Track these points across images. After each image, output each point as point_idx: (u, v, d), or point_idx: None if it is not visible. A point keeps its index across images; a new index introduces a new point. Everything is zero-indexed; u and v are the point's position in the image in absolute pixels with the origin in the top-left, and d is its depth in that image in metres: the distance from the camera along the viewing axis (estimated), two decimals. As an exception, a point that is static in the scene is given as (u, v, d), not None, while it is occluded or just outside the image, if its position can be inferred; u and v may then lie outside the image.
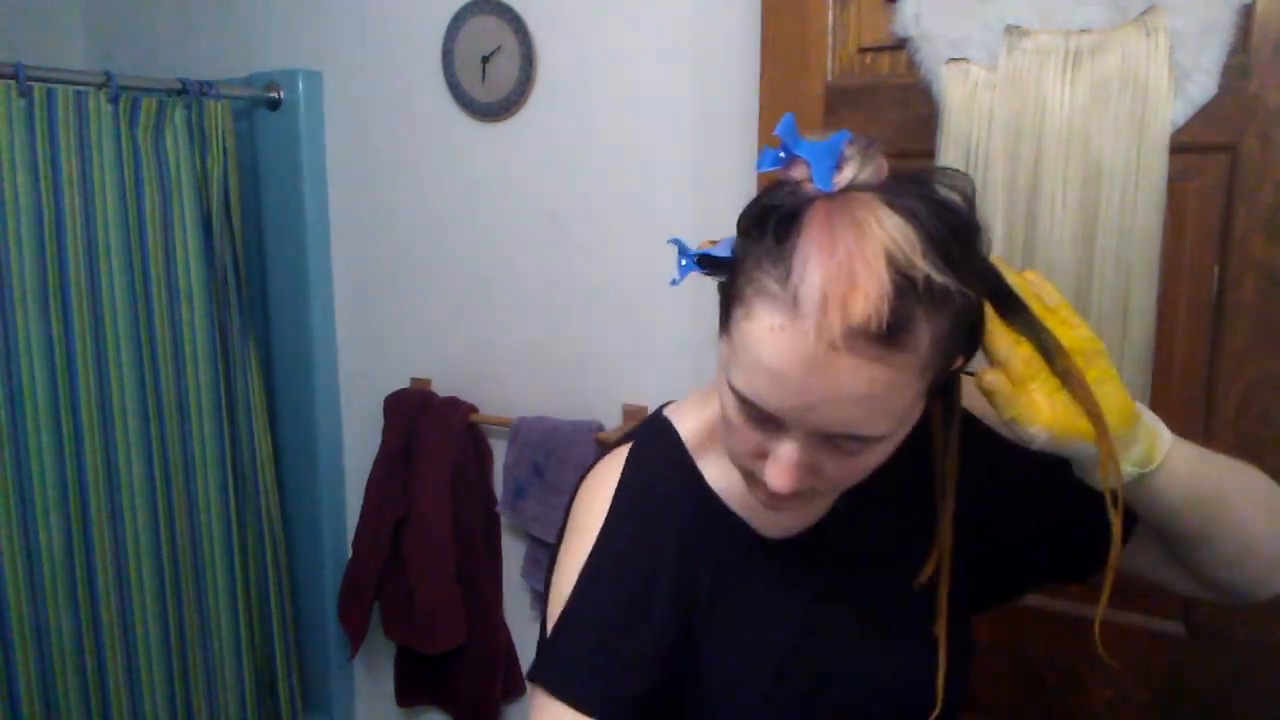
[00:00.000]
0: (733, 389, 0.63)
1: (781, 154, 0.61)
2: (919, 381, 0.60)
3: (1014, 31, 1.07)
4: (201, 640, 1.81)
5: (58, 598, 1.62)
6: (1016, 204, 1.09)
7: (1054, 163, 1.06)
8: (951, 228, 0.59)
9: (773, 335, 0.58)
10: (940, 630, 0.75)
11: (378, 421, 1.79)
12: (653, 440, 0.80)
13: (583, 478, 0.83)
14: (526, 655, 1.77)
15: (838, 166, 0.59)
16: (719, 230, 0.69)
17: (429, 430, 1.70)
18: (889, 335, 0.56)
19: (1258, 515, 0.71)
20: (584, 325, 1.60)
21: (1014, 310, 0.66)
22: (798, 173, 0.60)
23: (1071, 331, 0.65)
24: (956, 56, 1.11)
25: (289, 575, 1.94)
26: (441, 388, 1.77)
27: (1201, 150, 1.04)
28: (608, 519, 0.76)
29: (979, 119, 1.10)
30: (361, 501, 1.81)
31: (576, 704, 0.69)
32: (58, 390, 1.60)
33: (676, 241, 0.67)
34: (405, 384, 1.81)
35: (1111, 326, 1.06)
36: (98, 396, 1.65)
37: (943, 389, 0.68)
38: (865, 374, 0.57)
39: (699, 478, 0.78)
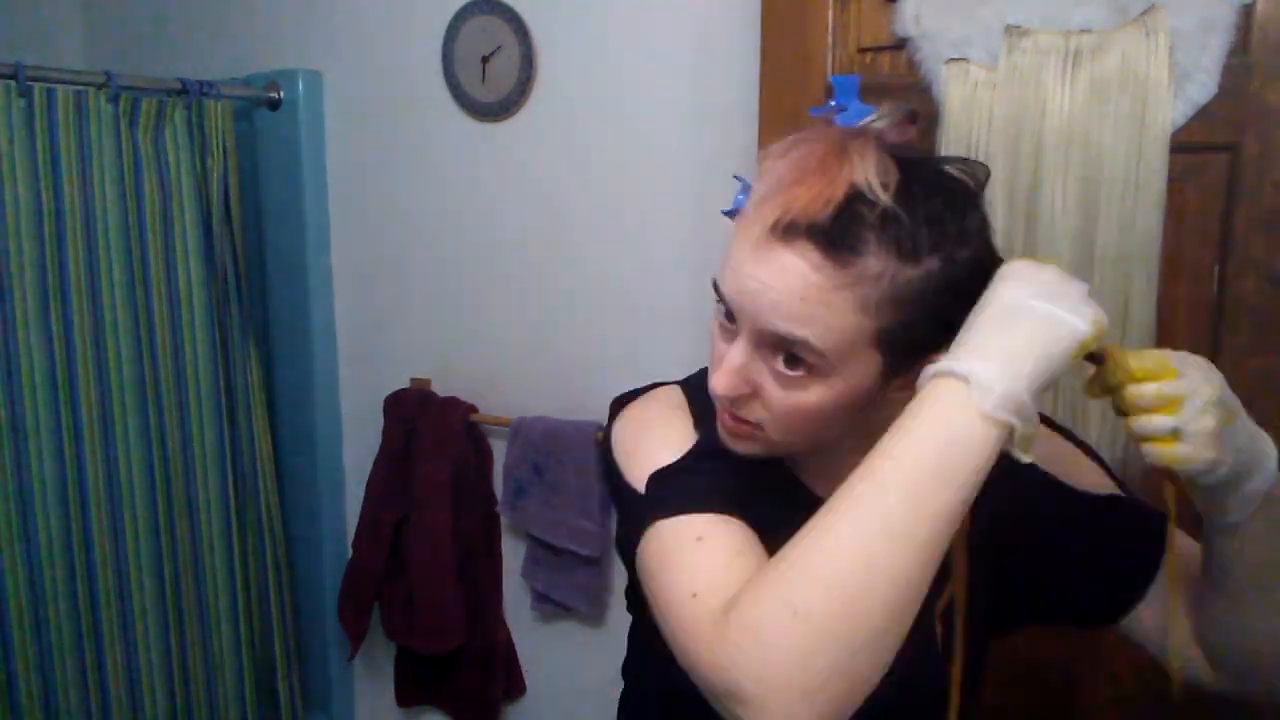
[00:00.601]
0: (714, 286, 0.68)
1: (833, 102, 0.67)
2: (862, 315, 0.61)
3: (1014, 31, 1.07)
4: (201, 640, 1.81)
5: (58, 597, 1.62)
6: (1016, 204, 1.09)
7: (1054, 163, 1.06)
8: (945, 195, 0.62)
9: (739, 226, 0.65)
10: (956, 659, 0.73)
11: (378, 421, 1.79)
12: (702, 390, 0.77)
13: (619, 407, 0.82)
14: (526, 655, 1.77)
15: (866, 117, 0.65)
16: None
17: (429, 430, 1.70)
18: (828, 241, 0.60)
19: None
20: (584, 325, 1.60)
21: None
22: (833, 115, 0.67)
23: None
24: (956, 56, 1.11)
25: (289, 575, 1.94)
26: (441, 388, 1.77)
27: (1201, 150, 1.04)
28: (696, 425, 0.75)
29: (979, 119, 1.10)
30: (361, 501, 1.81)
31: (704, 508, 0.67)
32: (58, 390, 1.60)
33: (740, 179, 0.72)
34: (405, 384, 1.81)
35: (1111, 326, 1.06)
36: (98, 396, 1.64)
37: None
38: (800, 271, 0.61)
39: None
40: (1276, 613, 0.68)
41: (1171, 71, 1.01)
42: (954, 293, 0.63)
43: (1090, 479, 0.79)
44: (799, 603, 0.56)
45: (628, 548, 0.73)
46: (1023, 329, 0.58)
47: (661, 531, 0.68)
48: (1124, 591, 0.77)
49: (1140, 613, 0.77)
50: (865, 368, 0.64)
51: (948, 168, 0.65)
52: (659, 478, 0.73)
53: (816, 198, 0.60)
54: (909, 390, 0.65)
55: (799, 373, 0.64)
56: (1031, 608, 0.81)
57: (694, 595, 0.62)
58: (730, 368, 0.66)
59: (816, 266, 0.60)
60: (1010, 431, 0.58)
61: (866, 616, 0.56)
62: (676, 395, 0.81)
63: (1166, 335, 1.08)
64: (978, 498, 0.59)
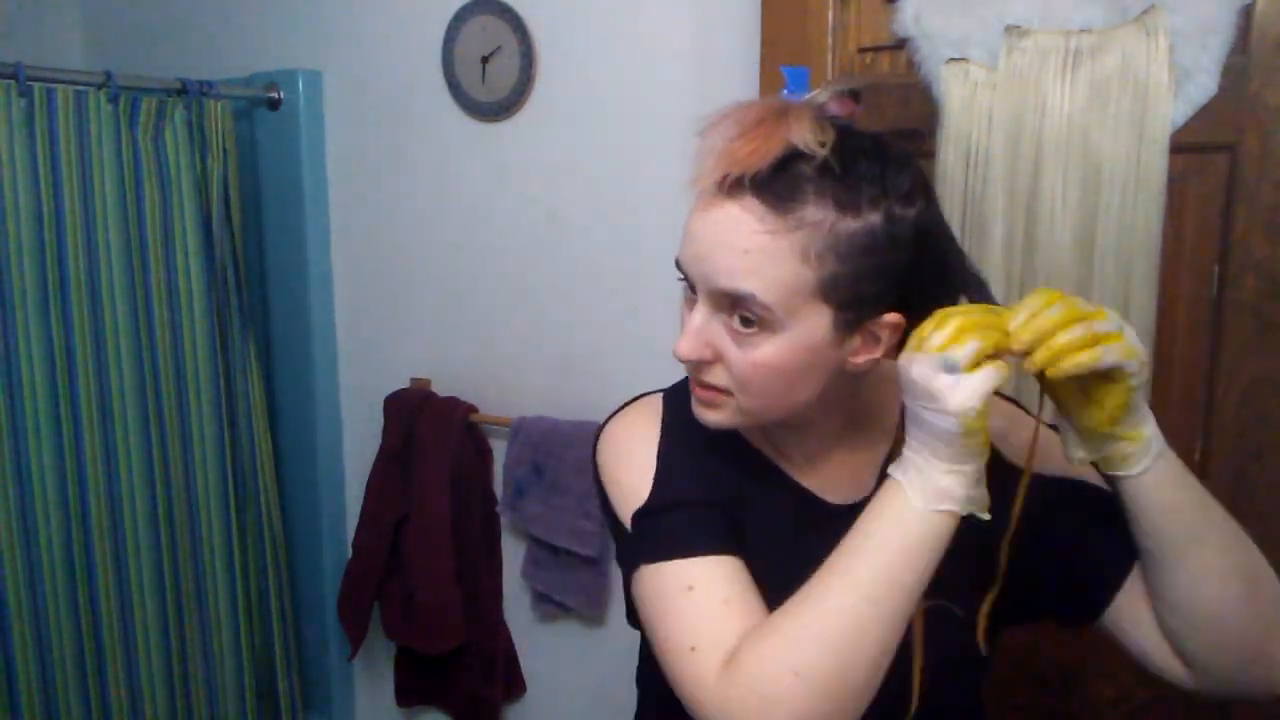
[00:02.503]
0: (677, 265, 0.72)
1: (783, 92, 0.72)
2: (804, 266, 0.65)
3: (1014, 31, 1.07)
4: (201, 640, 1.81)
5: (58, 598, 1.62)
6: (1016, 204, 1.09)
7: (1054, 163, 1.06)
8: (876, 155, 0.67)
9: (694, 195, 0.69)
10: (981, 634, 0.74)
11: (378, 421, 1.79)
12: (683, 393, 0.81)
13: (602, 428, 0.85)
14: (526, 655, 1.77)
15: (806, 90, 0.70)
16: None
17: (429, 430, 1.70)
18: (769, 191, 0.65)
19: (1232, 570, 0.69)
20: (584, 325, 1.60)
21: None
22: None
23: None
24: (956, 56, 1.11)
25: (289, 575, 1.94)
26: (441, 388, 1.77)
27: (1201, 150, 1.04)
28: (661, 442, 0.79)
29: (979, 119, 1.10)
30: (361, 501, 1.81)
31: (688, 553, 0.72)
32: (58, 390, 1.60)
33: None
34: (405, 384, 1.81)
35: (1111, 326, 1.06)
36: (98, 396, 1.64)
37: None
38: (744, 223, 0.65)
39: (736, 433, 0.80)
40: (1202, 578, 0.69)
41: (1171, 71, 1.01)
42: (899, 250, 0.67)
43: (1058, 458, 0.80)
44: (799, 663, 0.63)
45: (624, 575, 0.78)
46: (925, 430, 0.65)
47: (651, 578, 0.73)
48: (1100, 583, 0.78)
49: (1120, 608, 0.77)
50: (815, 322, 0.67)
51: (883, 136, 0.69)
52: (643, 518, 0.77)
53: (756, 151, 0.64)
54: (868, 355, 0.70)
55: (752, 330, 0.68)
56: (1018, 606, 0.81)
57: (693, 649, 0.68)
58: (690, 332, 0.71)
59: (758, 216, 0.65)
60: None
61: (856, 675, 0.64)
62: (653, 402, 0.84)
63: (1166, 335, 1.08)
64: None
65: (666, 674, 0.70)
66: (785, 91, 0.72)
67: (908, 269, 0.67)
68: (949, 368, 0.63)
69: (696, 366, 0.72)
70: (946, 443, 0.64)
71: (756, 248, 0.65)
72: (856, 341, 0.70)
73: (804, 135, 0.65)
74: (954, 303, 0.69)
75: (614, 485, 0.81)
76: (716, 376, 0.72)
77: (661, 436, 0.81)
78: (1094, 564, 0.77)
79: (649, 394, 0.87)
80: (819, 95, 0.69)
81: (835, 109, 0.69)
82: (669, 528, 0.75)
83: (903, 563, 0.65)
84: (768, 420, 0.75)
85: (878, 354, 0.71)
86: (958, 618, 0.75)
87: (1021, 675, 1.22)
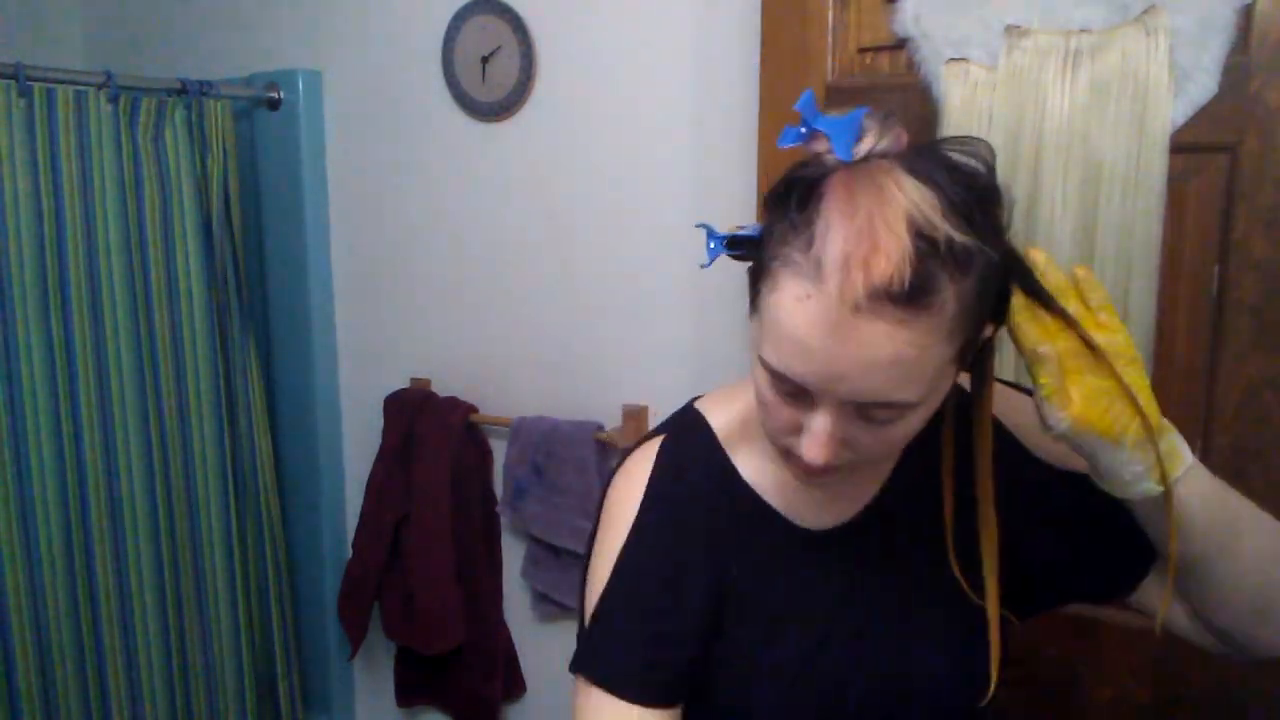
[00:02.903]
0: (764, 364, 0.64)
1: (803, 129, 0.62)
2: (947, 346, 0.60)
3: (1014, 31, 1.07)
4: (201, 640, 1.81)
5: (58, 598, 1.62)
6: (1016, 204, 1.09)
7: (1054, 163, 1.06)
8: (970, 190, 0.60)
9: (799, 305, 0.59)
10: (992, 609, 0.73)
11: (378, 421, 1.79)
12: (685, 434, 0.81)
13: (615, 469, 0.83)
14: (526, 655, 1.77)
15: (858, 138, 0.61)
16: (719, 228, 0.69)
17: (429, 430, 1.70)
18: (912, 296, 0.57)
19: (1271, 564, 0.70)
20: (584, 325, 1.60)
21: (1043, 300, 0.66)
22: (819, 146, 0.62)
23: (1110, 335, 0.66)
24: (956, 56, 1.11)
25: (289, 575, 1.94)
26: (441, 388, 1.77)
27: (1201, 150, 1.04)
28: (640, 509, 0.77)
29: (979, 119, 1.10)
30: (361, 501, 1.81)
31: (617, 690, 0.72)
32: (58, 390, 1.60)
33: (705, 226, 0.68)
34: (405, 384, 1.81)
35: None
36: (98, 396, 1.64)
37: (974, 360, 0.68)
38: (891, 338, 0.58)
39: (733, 471, 0.79)
40: (1233, 582, 0.70)
41: (1171, 71, 1.01)
42: (999, 280, 0.63)
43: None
44: None
45: (572, 662, 0.78)
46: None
47: (581, 692, 0.74)
48: (1131, 564, 0.78)
49: (1148, 587, 0.77)
50: (949, 378, 0.65)
51: (956, 155, 0.63)
52: (598, 622, 0.76)
53: (889, 258, 0.56)
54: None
55: (892, 414, 0.63)
56: (1048, 589, 0.81)
57: None
58: (825, 441, 0.63)
59: (901, 322, 0.58)
60: None
61: None
62: (648, 455, 0.80)
63: (1166, 335, 1.08)
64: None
65: None
66: (802, 129, 0.63)
67: (1001, 299, 0.65)
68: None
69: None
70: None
71: (908, 355, 0.59)
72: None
73: (919, 208, 0.57)
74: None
75: (597, 543, 0.80)
76: (841, 458, 0.66)
77: (646, 494, 0.78)
78: (1122, 545, 0.76)
79: (654, 435, 0.83)
80: (880, 142, 0.61)
81: (897, 148, 0.62)
82: (612, 650, 0.75)
83: None
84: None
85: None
86: (949, 593, 0.75)
87: (1021, 675, 1.22)
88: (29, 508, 1.59)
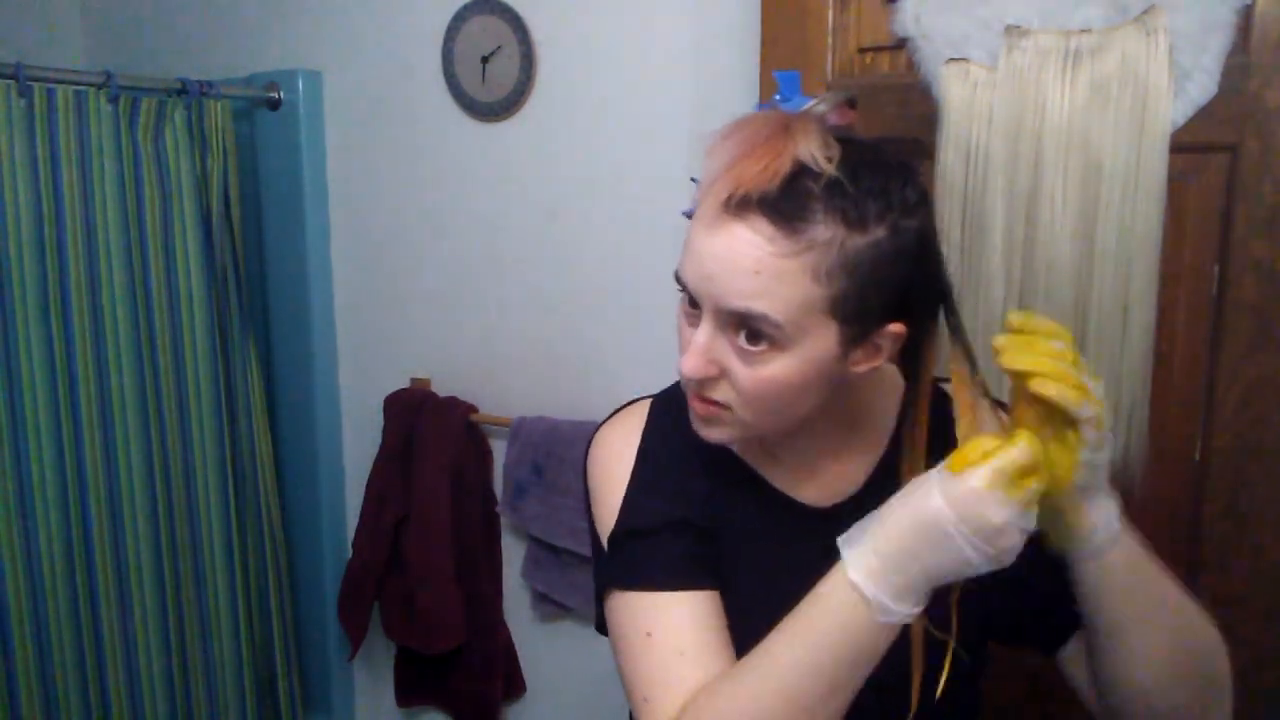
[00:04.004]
0: (676, 279, 0.71)
1: (776, 97, 0.71)
2: (815, 285, 0.64)
3: (1014, 31, 1.07)
4: (201, 640, 1.81)
5: (58, 598, 1.62)
6: (1016, 204, 1.09)
7: (1054, 163, 1.06)
8: (880, 167, 0.66)
9: (696, 217, 0.68)
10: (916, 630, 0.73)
11: (378, 421, 1.79)
12: (671, 399, 0.83)
13: (596, 431, 0.86)
14: (526, 655, 1.77)
15: (801, 98, 0.69)
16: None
17: (429, 430, 1.70)
18: (779, 211, 0.63)
19: (1171, 664, 0.70)
20: (584, 325, 1.60)
21: (957, 336, 0.70)
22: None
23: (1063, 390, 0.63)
24: (956, 56, 1.11)
25: (289, 575, 1.94)
26: (441, 388, 1.77)
27: (1201, 150, 1.04)
28: (638, 457, 0.80)
29: (979, 119, 1.10)
30: (361, 501, 1.81)
31: (660, 585, 0.74)
32: (58, 390, 1.60)
33: (696, 180, 0.73)
34: (405, 384, 1.81)
35: (1111, 326, 1.06)
36: (98, 396, 1.64)
37: (904, 357, 0.72)
38: (754, 245, 0.64)
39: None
40: (1140, 661, 0.70)
41: (1171, 71, 1.01)
42: (903, 262, 0.67)
43: None
44: None
45: (596, 591, 0.79)
46: (938, 557, 0.61)
47: (618, 607, 0.75)
48: (1057, 623, 0.79)
49: (1073, 650, 0.79)
50: (823, 338, 0.67)
51: (883, 147, 0.69)
52: (615, 541, 0.78)
53: (764, 170, 0.63)
54: (869, 364, 0.70)
55: (761, 347, 0.67)
56: (989, 626, 0.81)
57: (646, 700, 0.71)
58: (696, 349, 0.69)
59: (768, 237, 0.64)
60: None
61: None
62: (639, 410, 0.84)
63: (1166, 335, 1.08)
64: None
65: (630, 710, 0.74)
66: (777, 96, 0.71)
67: (909, 280, 0.68)
68: (1024, 532, 0.61)
69: (699, 383, 0.71)
70: (943, 575, 0.62)
71: (767, 268, 0.64)
72: (859, 353, 0.70)
73: (811, 151, 0.64)
74: (941, 310, 0.71)
75: (594, 499, 0.82)
76: (719, 391, 0.71)
77: (640, 449, 0.81)
78: (1056, 599, 0.77)
79: (639, 400, 0.87)
80: (818, 106, 0.69)
81: (835, 119, 0.69)
82: (639, 555, 0.76)
83: (849, 671, 0.64)
84: (765, 433, 0.75)
85: (879, 362, 0.71)
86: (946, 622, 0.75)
87: (1022, 675, 1.22)
88: (29, 508, 1.58)
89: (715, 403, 0.71)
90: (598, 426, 0.87)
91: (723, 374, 0.70)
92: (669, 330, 1.64)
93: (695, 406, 0.73)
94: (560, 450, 1.57)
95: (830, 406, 0.75)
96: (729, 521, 0.79)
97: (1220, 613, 1.08)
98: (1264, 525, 1.06)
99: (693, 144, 1.45)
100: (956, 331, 0.70)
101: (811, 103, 0.69)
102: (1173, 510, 1.11)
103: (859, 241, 0.64)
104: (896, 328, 0.69)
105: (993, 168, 1.09)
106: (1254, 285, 1.04)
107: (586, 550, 1.57)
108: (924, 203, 0.68)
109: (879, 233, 0.65)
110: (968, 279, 1.13)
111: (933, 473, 0.64)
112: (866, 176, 0.65)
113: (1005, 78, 1.08)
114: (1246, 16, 1.00)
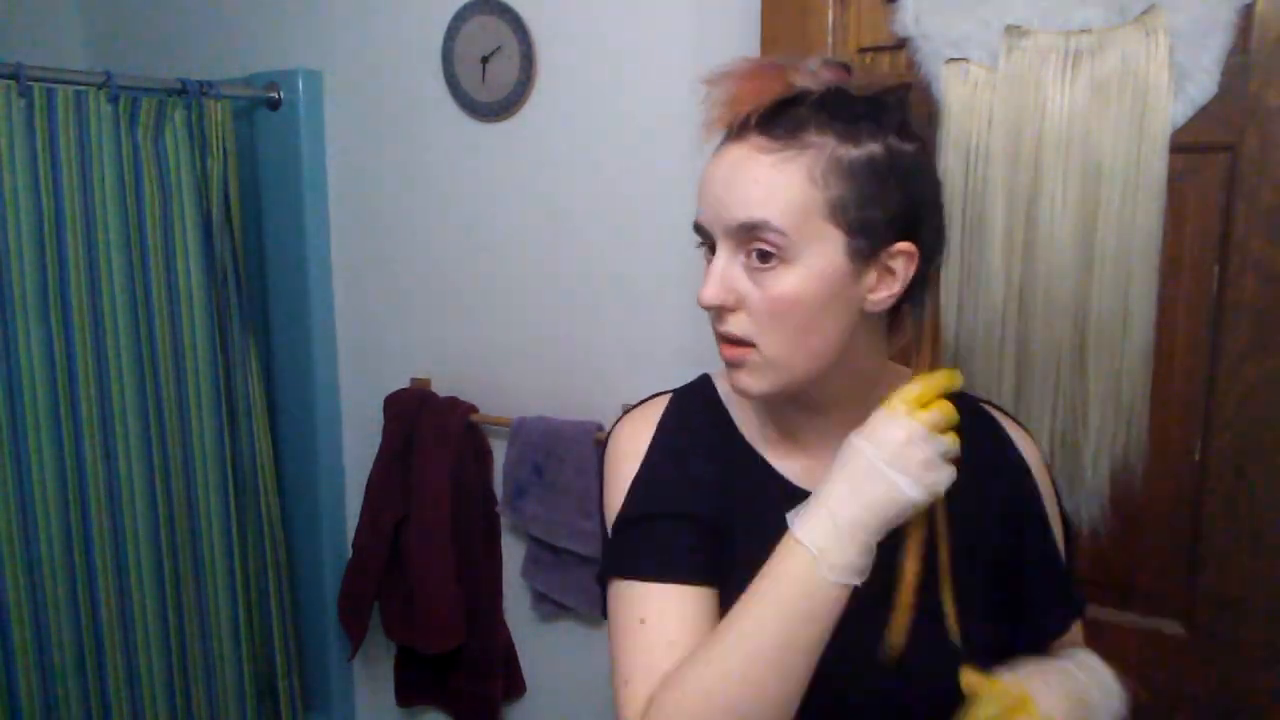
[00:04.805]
0: (695, 229, 0.75)
1: None
2: (813, 189, 0.68)
3: (1014, 31, 1.07)
4: (201, 640, 1.81)
5: (58, 598, 1.62)
6: (1016, 204, 1.09)
7: (1054, 163, 1.06)
8: (867, 96, 0.70)
9: (710, 157, 0.73)
10: (951, 617, 0.75)
11: (378, 421, 1.79)
12: (692, 392, 0.85)
13: (618, 421, 0.87)
14: (526, 655, 1.77)
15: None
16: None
17: (429, 430, 1.70)
18: (772, 125, 0.69)
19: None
20: (584, 325, 1.60)
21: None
22: None
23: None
24: (956, 56, 1.11)
25: (289, 575, 1.94)
26: (441, 388, 1.77)
27: (1201, 150, 1.04)
28: (651, 447, 0.81)
29: (979, 119, 1.10)
30: (361, 501, 1.81)
31: (661, 576, 0.75)
32: (58, 390, 1.60)
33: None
34: (405, 384, 1.81)
35: (1111, 326, 1.06)
36: (98, 396, 1.64)
37: (910, 290, 0.73)
38: (750, 157, 0.69)
39: (734, 429, 0.82)
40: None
41: (1171, 71, 1.01)
42: (901, 180, 0.70)
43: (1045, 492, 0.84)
44: (701, 717, 0.67)
45: (599, 578, 0.80)
46: (870, 495, 0.67)
47: (616, 593, 0.77)
48: (1061, 616, 0.83)
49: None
50: (829, 247, 0.69)
51: (872, 84, 0.73)
52: (620, 528, 0.78)
53: (759, 91, 0.70)
54: (887, 291, 0.72)
55: (771, 264, 0.70)
56: (995, 609, 0.82)
57: (626, 683, 0.73)
58: (712, 277, 0.72)
59: (763, 149, 0.69)
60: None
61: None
62: (659, 402, 0.85)
63: (1166, 335, 1.08)
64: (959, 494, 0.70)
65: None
66: None
67: (912, 201, 0.71)
68: (941, 453, 0.68)
69: (720, 317, 0.73)
70: (884, 518, 0.67)
71: (765, 176, 0.68)
72: (873, 276, 0.71)
73: (802, 79, 0.69)
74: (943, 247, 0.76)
75: (606, 488, 0.83)
76: (739, 324, 0.72)
77: (653, 440, 0.81)
78: (1057, 594, 0.81)
79: (660, 394, 0.87)
80: (812, 61, 0.72)
81: (827, 74, 0.72)
82: (640, 544, 0.77)
83: (804, 629, 0.67)
84: (797, 378, 0.74)
85: (896, 289, 0.72)
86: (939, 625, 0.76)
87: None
88: (29, 508, 1.59)
89: (740, 342, 0.73)
90: (618, 419, 0.87)
91: (740, 303, 0.72)
92: (669, 330, 1.65)
93: (723, 352, 0.75)
94: (560, 450, 1.57)
95: (855, 386, 0.77)
96: (741, 515, 0.79)
97: (1220, 613, 1.09)
98: (1264, 525, 1.06)
99: (692, 143, 1.45)
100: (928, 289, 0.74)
101: (806, 59, 0.74)
102: (1173, 510, 1.11)
103: (853, 151, 0.69)
104: (906, 246, 0.71)
105: (993, 168, 1.09)
106: (1254, 285, 1.04)
107: (586, 550, 1.57)
108: (918, 137, 0.72)
109: (873, 147, 0.69)
110: (968, 279, 1.13)
111: (850, 437, 0.70)
112: (858, 104, 0.70)
113: (1005, 78, 1.08)
114: (1246, 16, 1.00)
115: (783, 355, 0.72)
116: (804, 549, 0.67)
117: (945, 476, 0.68)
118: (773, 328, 0.71)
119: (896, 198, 0.70)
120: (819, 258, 0.69)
